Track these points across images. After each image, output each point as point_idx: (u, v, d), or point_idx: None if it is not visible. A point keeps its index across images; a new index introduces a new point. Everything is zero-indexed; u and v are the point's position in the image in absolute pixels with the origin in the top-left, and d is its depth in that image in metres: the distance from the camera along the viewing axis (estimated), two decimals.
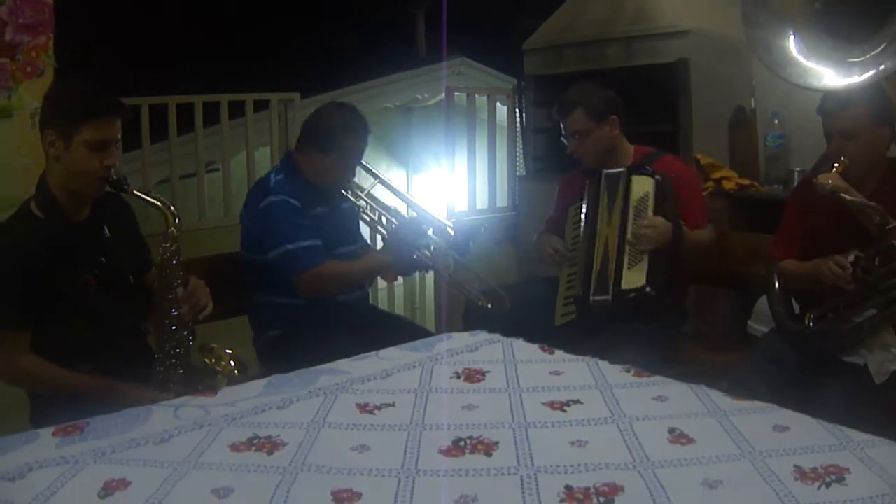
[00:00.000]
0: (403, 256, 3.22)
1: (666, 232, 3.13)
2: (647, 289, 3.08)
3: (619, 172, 3.26)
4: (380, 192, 3.47)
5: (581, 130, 3.36)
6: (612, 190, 3.26)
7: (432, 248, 3.32)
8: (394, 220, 3.31)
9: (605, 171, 3.32)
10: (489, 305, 3.31)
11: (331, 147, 3.20)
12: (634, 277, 3.11)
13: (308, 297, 3.17)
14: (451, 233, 3.31)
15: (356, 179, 3.40)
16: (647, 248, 3.11)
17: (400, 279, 5.97)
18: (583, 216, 3.32)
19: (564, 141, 3.43)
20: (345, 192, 3.32)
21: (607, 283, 3.13)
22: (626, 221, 3.18)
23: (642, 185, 3.21)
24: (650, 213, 3.15)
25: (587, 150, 3.38)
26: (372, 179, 3.43)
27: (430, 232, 3.32)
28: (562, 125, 3.42)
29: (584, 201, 3.34)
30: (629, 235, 3.15)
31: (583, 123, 3.35)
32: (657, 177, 3.20)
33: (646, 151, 3.45)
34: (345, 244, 3.29)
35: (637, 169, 3.26)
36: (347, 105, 3.41)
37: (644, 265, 3.11)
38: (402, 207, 3.46)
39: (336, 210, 3.33)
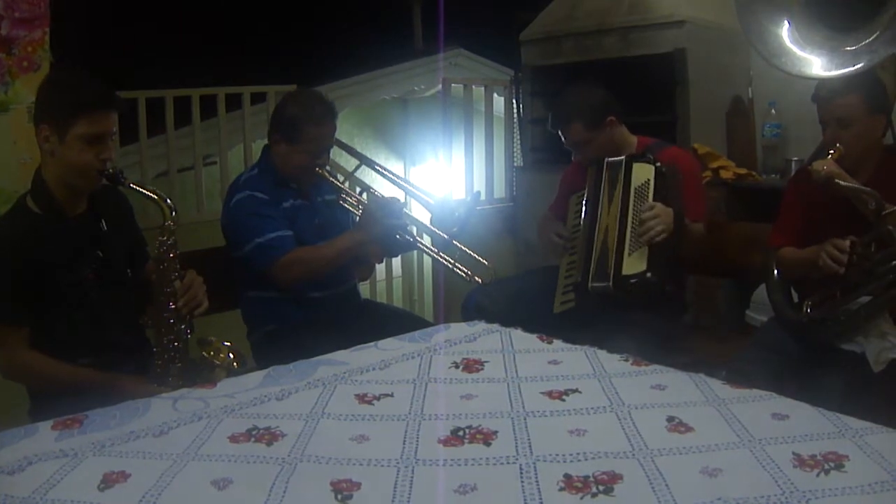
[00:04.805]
0: (375, 232, 3.15)
1: (669, 216, 3.07)
2: (648, 274, 3.03)
3: (620, 161, 3.22)
4: (372, 179, 3.47)
5: (582, 141, 3.32)
6: (612, 178, 3.22)
7: (410, 227, 3.29)
8: (366, 196, 3.28)
9: (607, 159, 3.28)
10: (479, 280, 3.29)
11: (296, 136, 3.17)
12: (635, 263, 3.06)
13: (286, 287, 3.16)
14: (434, 210, 3.29)
15: (342, 164, 3.36)
16: (653, 235, 3.04)
17: (398, 273, 6.00)
18: (584, 204, 3.30)
19: (567, 148, 3.41)
20: (332, 180, 3.30)
21: (607, 269, 3.09)
22: (626, 208, 3.13)
23: (642, 172, 3.17)
24: (650, 199, 3.11)
25: (594, 155, 3.35)
26: (356, 162, 3.42)
27: (409, 209, 3.28)
28: (560, 134, 3.39)
29: (586, 190, 3.32)
30: (630, 221, 3.10)
31: (581, 134, 3.31)
32: (657, 164, 3.17)
33: (649, 143, 3.43)
34: (327, 237, 3.22)
35: (636, 157, 3.22)
36: (311, 91, 3.39)
37: (644, 251, 3.06)
38: (390, 188, 3.44)
39: (313, 203, 3.31)
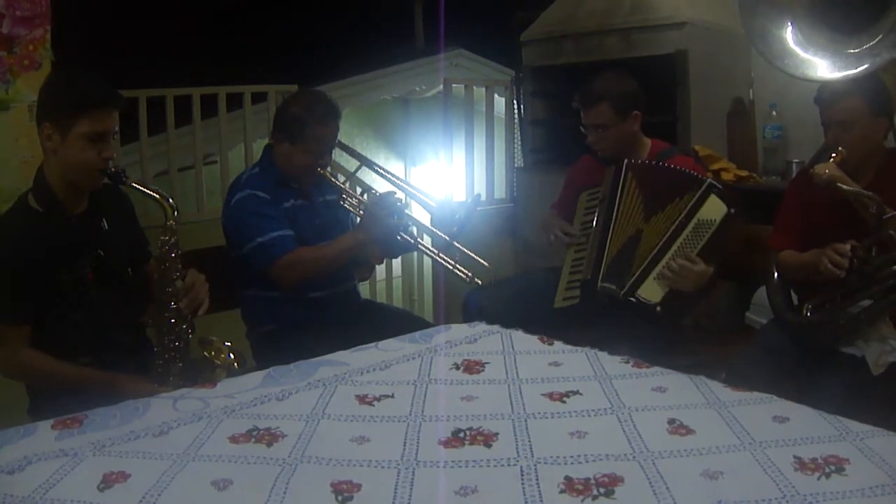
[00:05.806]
0: (376, 232, 3.13)
1: (699, 279, 2.99)
2: (658, 308, 3.00)
3: (702, 179, 3.10)
4: (371, 179, 3.46)
5: (603, 125, 3.27)
6: (672, 188, 3.12)
7: (410, 227, 3.29)
8: (367, 197, 3.27)
9: (627, 160, 3.23)
10: (479, 281, 3.28)
11: (298, 135, 3.16)
12: (654, 290, 3.01)
13: (286, 287, 3.15)
14: (434, 211, 3.27)
15: (342, 164, 3.35)
16: (674, 286, 2.99)
17: (398, 273, 6.00)
18: (598, 202, 3.26)
19: (583, 129, 3.34)
20: (333, 181, 3.29)
21: (623, 275, 3.06)
22: (679, 233, 3.03)
23: (714, 209, 3.04)
24: (703, 242, 3.00)
25: (607, 145, 3.31)
26: (356, 163, 3.42)
27: (409, 210, 3.27)
28: (581, 114, 3.33)
29: (602, 188, 3.27)
30: (674, 249, 3.02)
31: (606, 118, 3.26)
32: (732, 209, 3.03)
33: (663, 148, 3.39)
34: (328, 237, 3.21)
35: (717, 188, 3.08)
36: (315, 92, 3.40)
37: (666, 285, 3.01)
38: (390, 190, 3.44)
39: (314, 203, 3.30)
